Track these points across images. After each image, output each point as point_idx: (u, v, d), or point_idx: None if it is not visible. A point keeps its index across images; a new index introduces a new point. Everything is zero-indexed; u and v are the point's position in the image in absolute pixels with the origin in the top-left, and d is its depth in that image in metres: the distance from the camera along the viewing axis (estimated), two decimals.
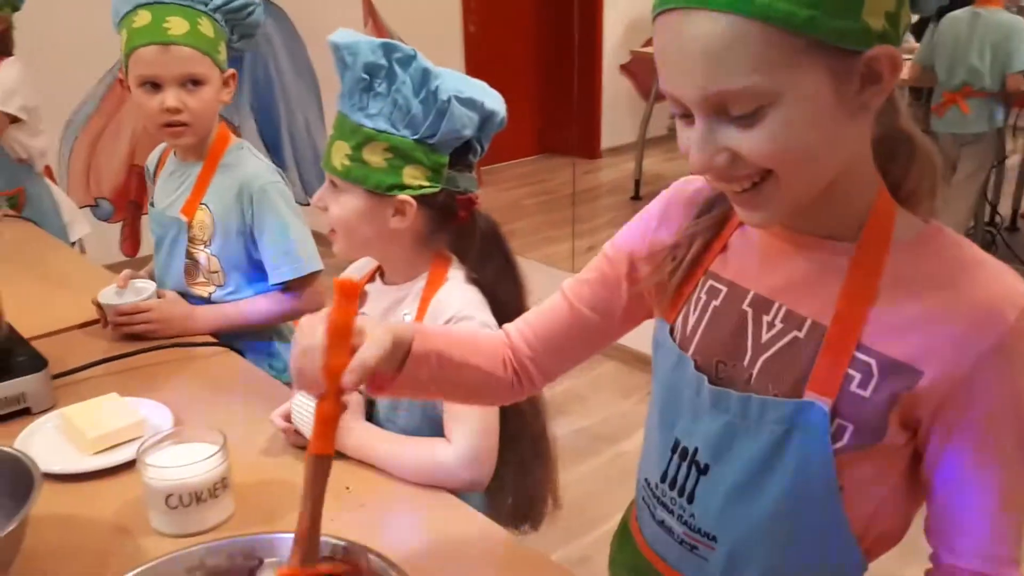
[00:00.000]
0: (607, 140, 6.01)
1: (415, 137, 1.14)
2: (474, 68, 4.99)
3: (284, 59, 4.33)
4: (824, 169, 0.72)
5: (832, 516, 0.78)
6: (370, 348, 0.78)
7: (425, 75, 1.13)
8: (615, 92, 5.92)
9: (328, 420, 0.78)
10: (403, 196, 1.17)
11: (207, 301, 1.62)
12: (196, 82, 1.52)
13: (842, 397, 0.74)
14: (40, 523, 0.99)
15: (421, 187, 1.17)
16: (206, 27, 1.51)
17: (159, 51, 1.48)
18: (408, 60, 1.13)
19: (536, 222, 4.77)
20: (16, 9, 2.37)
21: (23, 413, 1.30)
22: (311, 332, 0.78)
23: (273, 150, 4.49)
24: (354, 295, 0.80)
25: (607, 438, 2.75)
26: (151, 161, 1.76)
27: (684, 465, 0.86)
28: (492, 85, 1.20)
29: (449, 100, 1.13)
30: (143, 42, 1.48)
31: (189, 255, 1.61)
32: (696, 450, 0.84)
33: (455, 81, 1.15)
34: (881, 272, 0.75)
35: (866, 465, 0.77)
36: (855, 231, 0.76)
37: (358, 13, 4.44)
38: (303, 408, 1.17)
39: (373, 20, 4.70)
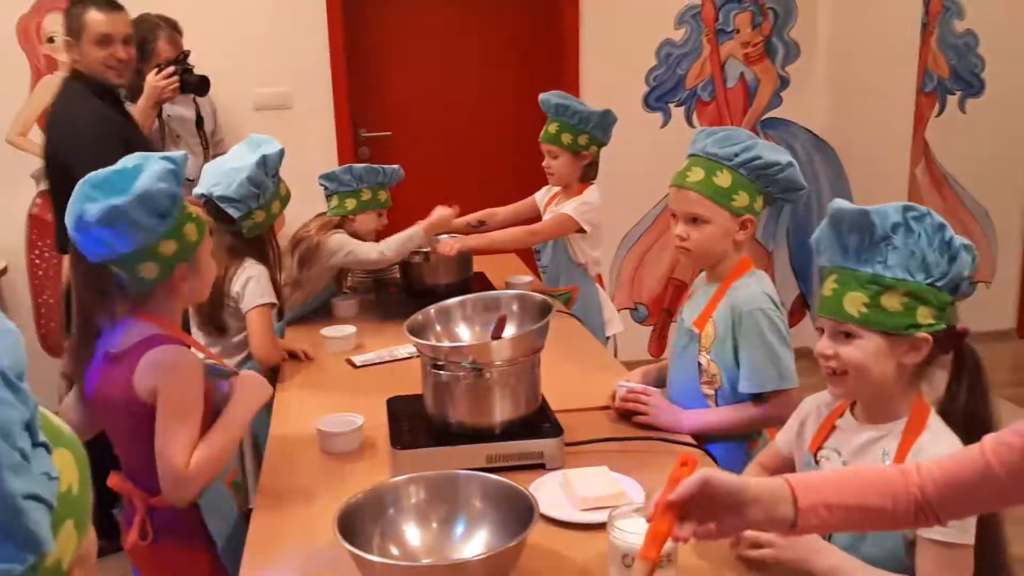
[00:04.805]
0: None
1: (928, 281, 1.27)
2: None
3: (826, 193, 4.51)
4: None
5: None
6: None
7: (940, 228, 1.28)
8: None
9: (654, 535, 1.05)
10: (921, 334, 1.28)
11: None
12: (697, 220, 1.81)
13: None
14: (531, 550, 1.29)
15: (931, 325, 1.28)
16: (722, 178, 1.77)
17: (677, 192, 1.84)
18: (922, 216, 1.28)
19: None
20: (602, 146, 2.92)
21: (539, 466, 1.65)
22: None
23: (802, 277, 4.66)
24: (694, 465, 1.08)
25: None
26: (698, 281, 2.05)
27: None
28: None
29: (959, 247, 1.26)
30: (673, 183, 1.85)
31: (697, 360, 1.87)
32: None
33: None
34: None
35: None
36: None
37: (905, 152, 4.43)
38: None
39: (926, 159, 4.64)
